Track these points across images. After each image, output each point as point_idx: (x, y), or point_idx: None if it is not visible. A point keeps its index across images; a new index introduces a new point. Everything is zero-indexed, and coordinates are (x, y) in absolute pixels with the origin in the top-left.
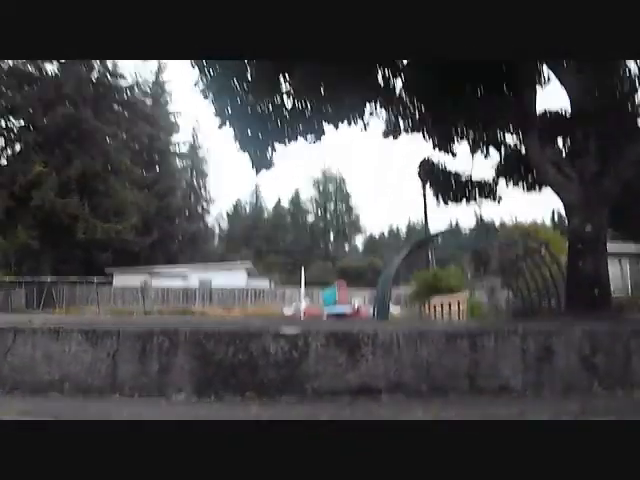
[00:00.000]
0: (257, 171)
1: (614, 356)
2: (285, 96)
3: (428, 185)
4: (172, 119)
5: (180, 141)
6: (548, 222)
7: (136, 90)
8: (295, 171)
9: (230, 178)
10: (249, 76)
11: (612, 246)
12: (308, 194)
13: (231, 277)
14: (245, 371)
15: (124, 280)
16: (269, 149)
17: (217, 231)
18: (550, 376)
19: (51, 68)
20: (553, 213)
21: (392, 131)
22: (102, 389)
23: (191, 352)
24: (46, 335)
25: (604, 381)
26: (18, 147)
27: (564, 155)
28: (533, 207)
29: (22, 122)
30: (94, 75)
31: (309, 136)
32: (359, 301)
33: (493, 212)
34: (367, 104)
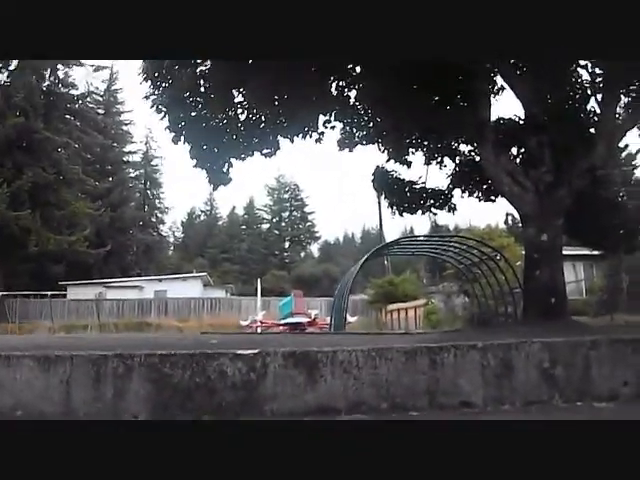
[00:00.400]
0: (215, 187)
1: (574, 368)
2: (239, 109)
3: (383, 195)
4: (125, 128)
5: (133, 150)
6: (502, 225)
7: (88, 99)
8: (249, 178)
9: (184, 186)
10: (202, 89)
11: (566, 250)
12: (262, 202)
13: (186, 288)
14: (202, 394)
15: (78, 293)
16: (225, 164)
17: (172, 241)
18: (510, 390)
19: (1, 77)
20: (507, 217)
21: (347, 143)
22: (55, 416)
23: (146, 376)
24: None
25: (564, 393)
26: None
27: (519, 165)
28: (487, 211)
29: None
30: (45, 84)
31: (265, 150)
32: (315, 310)
33: (448, 217)
34: (321, 116)
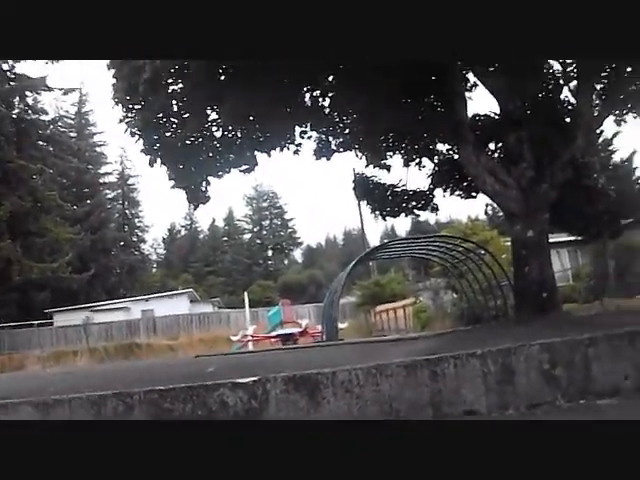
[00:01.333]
0: (195, 207)
1: (574, 367)
2: (214, 127)
3: (364, 201)
4: (98, 150)
5: (109, 171)
6: (483, 216)
7: (59, 124)
8: (227, 189)
9: (163, 202)
10: (175, 108)
11: (549, 238)
12: (242, 212)
13: (173, 305)
14: None
15: (65, 319)
16: (203, 183)
17: (154, 258)
18: (513, 395)
19: None
20: (486, 208)
21: (324, 151)
22: None
23: (147, 412)
24: None
25: (567, 393)
26: None
27: (499, 162)
28: (466, 203)
29: None
30: (14, 112)
31: (242, 167)
32: (305, 320)
33: (428, 214)
34: (297, 127)
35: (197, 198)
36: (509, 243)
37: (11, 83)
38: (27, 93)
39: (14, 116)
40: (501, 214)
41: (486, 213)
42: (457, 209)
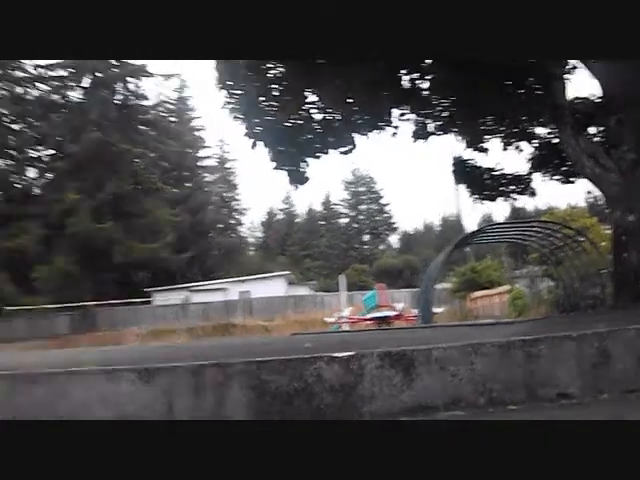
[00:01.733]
0: (295, 187)
1: None
2: (313, 109)
3: (463, 184)
4: (197, 134)
5: (207, 155)
6: (582, 204)
7: (160, 108)
8: (325, 174)
9: (261, 186)
10: (275, 93)
11: None
12: (339, 196)
13: (270, 287)
14: (301, 399)
15: (163, 299)
16: (304, 164)
17: (252, 241)
18: (608, 379)
19: (75, 95)
20: (587, 196)
21: (421, 134)
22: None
23: (246, 383)
24: (99, 376)
25: None
26: (50, 176)
27: (599, 145)
28: (564, 190)
29: (51, 151)
30: (118, 98)
31: (341, 148)
32: (401, 303)
33: (526, 200)
34: (395, 109)
35: (297, 179)
36: (609, 231)
37: (113, 69)
38: (129, 79)
39: (117, 102)
40: (601, 202)
41: (586, 201)
42: (555, 197)
